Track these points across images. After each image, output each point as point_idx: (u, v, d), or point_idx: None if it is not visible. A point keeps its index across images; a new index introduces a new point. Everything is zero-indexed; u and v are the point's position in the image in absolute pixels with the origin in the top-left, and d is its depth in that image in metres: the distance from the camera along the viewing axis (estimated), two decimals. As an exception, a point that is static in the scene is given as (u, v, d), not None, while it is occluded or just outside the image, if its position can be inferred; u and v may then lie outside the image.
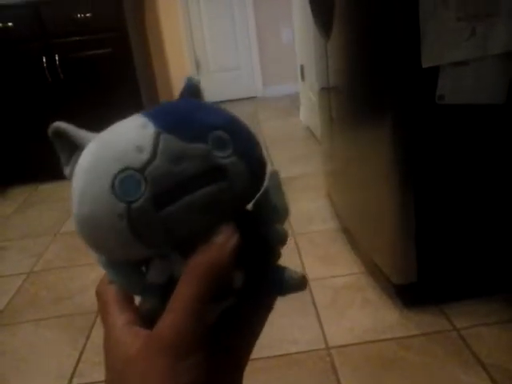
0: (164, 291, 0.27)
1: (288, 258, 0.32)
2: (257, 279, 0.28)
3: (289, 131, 3.27)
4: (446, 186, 1.27)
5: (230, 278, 0.27)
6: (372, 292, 1.49)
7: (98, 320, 1.55)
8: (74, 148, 0.28)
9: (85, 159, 0.26)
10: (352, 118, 1.58)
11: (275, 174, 0.30)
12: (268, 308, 0.31)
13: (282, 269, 0.29)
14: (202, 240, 0.26)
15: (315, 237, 1.85)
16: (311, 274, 1.61)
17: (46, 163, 2.92)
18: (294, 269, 0.29)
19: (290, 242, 1.80)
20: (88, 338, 1.47)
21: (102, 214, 0.24)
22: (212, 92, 4.56)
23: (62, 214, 2.44)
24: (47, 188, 2.86)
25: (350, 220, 1.73)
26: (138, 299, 0.29)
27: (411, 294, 1.38)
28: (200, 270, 0.25)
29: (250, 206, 0.29)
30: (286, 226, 0.30)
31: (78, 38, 2.75)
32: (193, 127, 0.26)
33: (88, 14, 2.71)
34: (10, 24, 2.69)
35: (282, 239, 0.29)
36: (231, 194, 0.26)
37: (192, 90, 0.30)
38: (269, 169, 0.30)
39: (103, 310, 0.29)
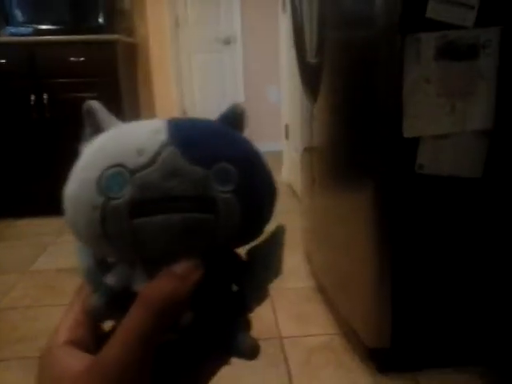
0: (115, 298, 0.26)
1: (262, 313, 0.30)
2: (207, 326, 0.27)
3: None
4: (423, 253, 1.29)
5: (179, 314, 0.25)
6: (346, 354, 1.48)
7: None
8: (98, 128, 0.27)
9: (92, 144, 0.26)
10: (333, 180, 1.62)
11: (281, 231, 0.28)
12: (219, 361, 0.29)
13: (238, 328, 0.27)
14: (168, 264, 0.24)
15: (290, 294, 1.84)
16: (285, 331, 1.59)
17: (23, 198, 2.89)
18: (250, 335, 0.27)
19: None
20: None
21: (82, 198, 0.24)
22: (195, 143, 4.63)
23: (35, 250, 2.38)
24: (23, 224, 2.80)
25: (326, 279, 1.73)
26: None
27: (385, 358, 1.37)
28: (151, 303, 0.24)
29: (243, 254, 0.28)
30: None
31: (68, 80, 2.79)
32: (202, 150, 0.24)
33: (81, 59, 2.76)
34: (2, 61, 2.73)
35: (260, 300, 0.27)
36: (212, 229, 0.24)
37: (232, 118, 0.28)
38: (275, 223, 0.28)
39: (66, 310, 0.28)
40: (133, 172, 0.23)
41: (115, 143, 0.25)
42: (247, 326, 0.28)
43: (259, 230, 0.27)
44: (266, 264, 0.27)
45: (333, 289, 1.65)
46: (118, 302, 0.26)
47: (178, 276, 0.24)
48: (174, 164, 0.23)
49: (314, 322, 1.65)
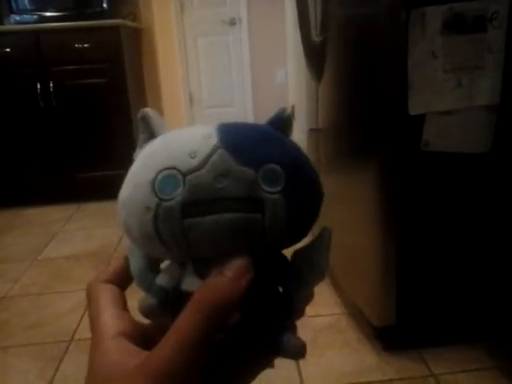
0: (166, 297, 0.27)
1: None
2: (254, 326, 0.27)
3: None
4: (429, 231, 1.28)
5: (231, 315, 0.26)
6: (352, 334, 1.47)
7: (69, 351, 1.50)
8: (152, 135, 0.28)
9: (146, 150, 0.27)
10: (339, 160, 1.61)
11: (327, 233, 0.29)
12: (263, 362, 0.30)
13: (284, 329, 0.27)
14: (218, 263, 0.25)
15: (297, 276, 1.84)
16: (292, 312, 1.59)
17: (31, 187, 2.91)
18: (296, 335, 0.28)
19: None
20: (57, 369, 1.42)
21: (136, 200, 0.25)
22: (203, 127, 4.61)
23: (43, 239, 2.41)
24: (31, 212, 2.83)
25: (333, 260, 1.72)
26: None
27: (391, 337, 1.37)
28: (205, 306, 0.24)
29: (289, 256, 0.29)
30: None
31: (73, 67, 2.78)
32: (250, 152, 0.25)
33: (86, 45, 2.75)
34: (7, 49, 2.72)
35: (306, 300, 0.28)
36: (260, 229, 0.25)
37: (279, 122, 0.29)
38: (321, 225, 0.29)
39: (94, 315, 0.28)
40: (185, 174, 0.24)
41: (168, 148, 0.26)
42: (293, 326, 0.28)
43: (305, 231, 0.28)
44: (312, 266, 0.28)
45: (339, 269, 1.65)
46: (168, 301, 0.27)
47: (231, 277, 0.24)
48: (224, 166, 0.24)
49: (320, 303, 1.65)
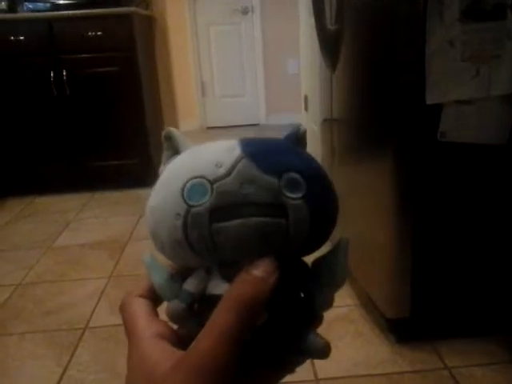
0: (194, 303, 0.28)
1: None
2: (280, 328, 0.28)
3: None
4: (445, 223, 1.27)
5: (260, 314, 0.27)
6: (365, 325, 1.47)
7: (84, 337, 1.52)
8: (176, 152, 0.30)
9: (174, 162, 0.29)
10: (353, 150, 1.60)
11: (345, 242, 0.30)
12: (286, 366, 0.30)
13: (307, 330, 0.29)
14: (243, 266, 0.26)
15: (310, 266, 1.84)
16: (304, 303, 1.59)
17: (44, 175, 2.93)
18: (320, 335, 0.29)
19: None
20: (73, 355, 1.44)
21: (165, 208, 0.27)
22: (215, 117, 4.61)
23: (57, 227, 2.43)
24: (45, 201, 2.85)
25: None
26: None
27: (404, 329, 1.37)
28: (239, 302, 0.25)
29: (310, 264, 0.30)
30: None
31: (86, 55, 2.78)
32: (273, 162, 0.27)
33: (99, 33, 2.75)
34: (21, 38, 2.73)
35: (326, 306, 0.29)
36: (284, 233, 0.26)
37: (296, 137, 0.31)
38: (340, 234, 0.31)
39: (130, 322, 0.29)
40: (212, 182, 0.26)
41: (194, 159, 0.28)
42: (316, 328, 0.30)
43: (326, 237, 0.29)
44: (331, 273, 0.30)
45: (352, 261, 1.64)
46: (196, 306, 0.28)
47: (259, 275, 0.25)
48: (249, 174, 0.26)
49: (333, 294, 1.65)
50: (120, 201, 2.77)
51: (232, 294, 0.25)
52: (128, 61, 2.80)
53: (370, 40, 1.36)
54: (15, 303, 1.75)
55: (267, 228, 0.26)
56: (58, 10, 2.83)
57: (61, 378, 1.34)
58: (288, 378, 1.14)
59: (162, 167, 0.30)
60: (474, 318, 1.35)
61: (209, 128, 4.64)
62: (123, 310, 0.30)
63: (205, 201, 0.26)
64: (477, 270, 1.31)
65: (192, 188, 0.26)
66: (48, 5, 2.90)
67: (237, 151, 0.27)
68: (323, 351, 0.28)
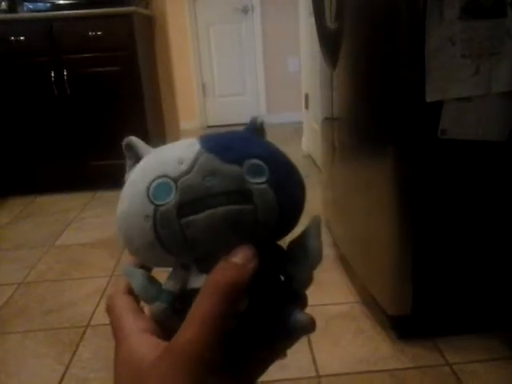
0: (175, 301, 0.28)
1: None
2: (261, 312, 0.28)
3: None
4: (445, 220, 1.27)
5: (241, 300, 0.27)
6: (366, 322, 1.48)
7: (86, 336, 1.52)
8: (138, 159, 0.30)
9: (138, 166, 0.29)
10: (354, 149, 1.60)
11: (316, 219, 0.30)
12: (275, 351, 0.30)
13: (290, 309, 0.29)
14: (220, 258, 0.26)
15: (311, 264, 1.84)
16: (305, 300, 1.60)
17: (46, 175, 2.94)
18: (303, 311, 0.29)
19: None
20: (74, 353, 1.45)
21: (134, 212, 0.27)
22: (216, 116, 4.62)
23: (58, 226, 2.44)
24: (46, 200, 2.86)
25: (347, 249, 1.72)
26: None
27: (405, 326, 1.37)
28: (219, 288, 0.25)
29: (284, 245, 0.31)
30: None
31: (87, 55, 2.79)
32: (233, 151, 0.27)
33: (99, 33, 2.75)
34: (21, 38, 2.74)
35: (306, 285, 0.30)
36: (253, 219, 0.26)
37: (255, 127, 0.32)
38: (311, 213, 0.31)
39: (116, 321, 0.29)
40: (176, 179, 0.26)
41: (156, 159, 0.28)
42: (303, 309, 0.30)
43: (296, 218, 0.29)
44: (307, 251, 0.29)
45: (353, 258, 1.64)
46: (177, 303, 0.28)
47: (238, 262, 0.26)
48: (210, 166, 0.26)
49: (334, 291, 1.65)
50: (121, 200, 2.77)
51: (212, 281, 0.25)
52: (128, 60, 2.81)
53: (369, 38, 1.36)
54: (17, 302, 1.76)
55: (236, 216, 0.26)
56: (58, 10, 2.83)
57: (63, 377, 1.35)
58: (290, 374, 1.15)
59: (126, 176, 0.30)
60: (475, 314, 1.36)
61: (209, 127, 4.64)
62: (110, 310, 0.30)
63: (170, 199, 0.26)
64: (478, 266, 1.31)
65: (157, 187, 0.26)
66: (48, 5, 2.90)
67: (196, 147, 0.27)
68: (308, 326, 0.28)
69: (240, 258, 0.26)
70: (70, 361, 1.41)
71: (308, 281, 0.30)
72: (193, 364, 0.24)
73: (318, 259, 0.29)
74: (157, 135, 3.01)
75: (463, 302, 1.34)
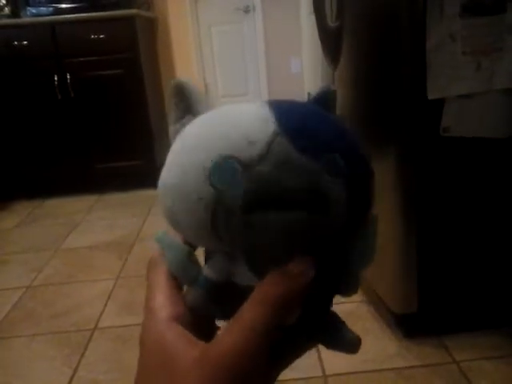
0: (214, 290, 0.26)
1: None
2: (311, 322, 0.27)
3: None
4: (450, 217, 1.27)
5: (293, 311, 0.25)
6: (372, 321, 1.48)
7: (93, 338, 1.53)
8: (189, 110, 0.26)
9: (192, 130, 0.25)
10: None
11: (375, 220, 0.28)
12: (306, 349, 0.29)
13: (340, 323, 0.27)
14: (274, 262, 0.24)
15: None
16: (311, 300, 1.60)
17: (52, 178, 2.95)
18: (351, 330, 0.28)
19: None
20: (82, 355, 1.45)
21: (186, 189, 0.23)
22: (219, 116, 4.61)
23: (65, 229, 2.45)
24: (52, 203, 2.87)
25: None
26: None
27: (411, 324, 1.37)
28: (269, 299, 0.24)
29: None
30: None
31: (90, 58, 2.80)
32: (312, 140, 0.23)
33: (102, 36, 2.76)
34: (24, 42, 2.75)
35: (356, 288, 0.28)
36: (325, 232, 0.23)
37: (326, 100, 0.28)
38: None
39: (150, 291, 0.27)
40: (247, 165, 0.22)
41: (220, 131, 0.24)
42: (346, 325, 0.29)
43: (360, 225, 0.27)
44: (361, 254, 0.27)
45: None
46: (216, 293, 0.26)
47: (295, 274, 0.24)
48: (285, 156, 0.22)
49: (340, 291, 1.65)
50: (126, 202, 2.79)
51: (264, 289, 0.24)
52: (131, 63, 2.82)
53: (370, 36, 1.36)
54: (25, 305, 1.77)
55: (308, 227, 0.23)
56: (61, 14, 2.84)
57: (71, 379, 1.36)
58: (296, 374, 1.15)
59: (171, 128, 0.26)
60: (481, 311, 1.35)
61: (213, 128, 4.63)
62: (149, 270, 0.28)
63: (237, 187, 0.22)
64: (483, 263, 1.31)
65: (221, 169, 0.22)
66: (51, 9, 2.91)
67: (270, 126, 0.23)
68: (355, 347, 0.27)
69: (298, 269, 0.24)
70: (78, 363, 1.42)
71: (357, 284, 0.28)
72: (233, 375, 0.23)
73: (369, 263, 0.27)
74: (161, 137, 3.01)
75: (469, 298, 1.33)
